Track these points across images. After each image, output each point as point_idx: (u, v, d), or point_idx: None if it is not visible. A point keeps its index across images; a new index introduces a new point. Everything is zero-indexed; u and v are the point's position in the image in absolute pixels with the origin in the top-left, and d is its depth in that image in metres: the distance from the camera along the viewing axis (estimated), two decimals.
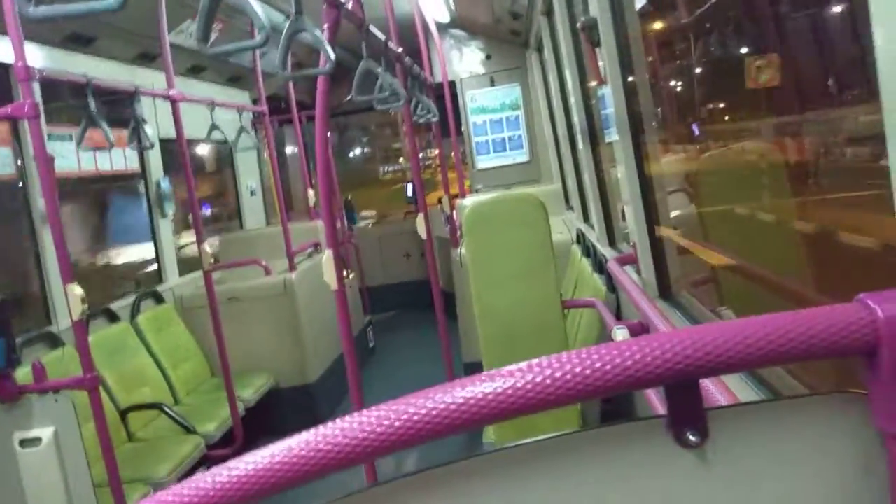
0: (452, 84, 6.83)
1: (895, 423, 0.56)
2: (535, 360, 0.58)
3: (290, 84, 5.79)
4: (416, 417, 0.57)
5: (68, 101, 4.09)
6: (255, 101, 5.91)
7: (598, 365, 0.56)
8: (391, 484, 0.65)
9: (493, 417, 0.57)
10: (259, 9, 1.55)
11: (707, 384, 1.07)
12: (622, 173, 2.37)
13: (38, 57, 3.60)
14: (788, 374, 1.16)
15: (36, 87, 2.61)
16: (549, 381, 0.56)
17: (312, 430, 0.59)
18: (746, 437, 0.62)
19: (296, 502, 0.67)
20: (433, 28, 5.83)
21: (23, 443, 2.64)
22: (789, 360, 0.56)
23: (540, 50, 5.86)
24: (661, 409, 1.65)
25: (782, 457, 0.61)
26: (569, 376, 0.56)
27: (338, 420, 0.59)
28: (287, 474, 0.57)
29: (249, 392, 4.47)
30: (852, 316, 0.55)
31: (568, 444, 0.65)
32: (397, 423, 0.57)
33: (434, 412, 0.57)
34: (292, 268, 4.91)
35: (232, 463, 0.59)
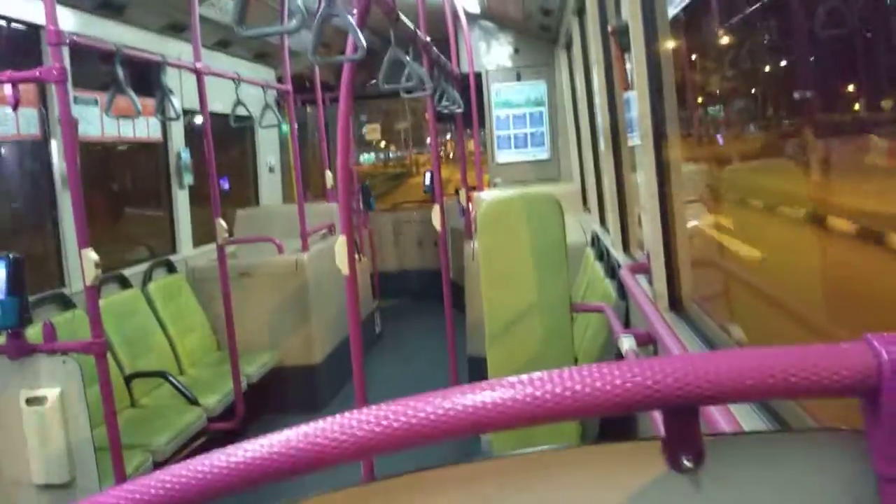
0: (478, 76, 6.80)
1: (890, 468, 0.55)
2: (536, 374, 0.58)
3: (316, 65, 5.80)
4: (414, 420, 0.57)
5: (95, 66, 4.13)
6: (280, 80, 5.91)
7: (598, 384, 0.56)
8: (386, 482, 0.66)
9: (491, 426, 0.57)
10: None
11: (710, 408, 1.07)
12: (642, 180, 2.36)
13: (68, 21, 3.63)
14: (796, 405, 1.15)
15: (65, 51, 2.63)
16: (548, 396, 0.56)
17: (312, 424, 0.60)
18: (742, 466, 0.62)
19: (291, 491, 0.67)
20: (462, 18, 5.80)
21: (29, 401, 2.69)
22: (789, 395, 0.56)
23: (569, 48, 5.82)
24: (662, 428, 1.65)
25: (776, 488, 0.61)
26: (568, 393, 0.56)
27: (337, 416, 0.60)
28: (284, 465, 0.58)
29: (253, 368, 4.51)
30: (856, 356, 0.55)
31: (565, 458, 0.65)
32: (395, 424, 0.57)
33: (433, 416, 0.57)
34: (305, 248, 4.93)
35: (230, 449, 0.60)
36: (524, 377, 0.58)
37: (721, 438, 0.63)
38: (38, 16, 3.34)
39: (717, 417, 1.08)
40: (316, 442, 0.58)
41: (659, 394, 0.55)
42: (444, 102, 4.38)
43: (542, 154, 7.05)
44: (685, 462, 0.61)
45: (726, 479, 0.61)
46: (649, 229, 2.32)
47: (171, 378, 3.88)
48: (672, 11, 1.81)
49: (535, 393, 0.56)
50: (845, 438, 0.60)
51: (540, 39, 6.88)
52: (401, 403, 0.59)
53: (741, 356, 0.56)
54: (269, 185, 6.46)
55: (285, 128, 5.99)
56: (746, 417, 1.18)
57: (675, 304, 2.23)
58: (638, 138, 2.34)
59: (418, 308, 7.31)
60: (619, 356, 2.25)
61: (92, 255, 2.68)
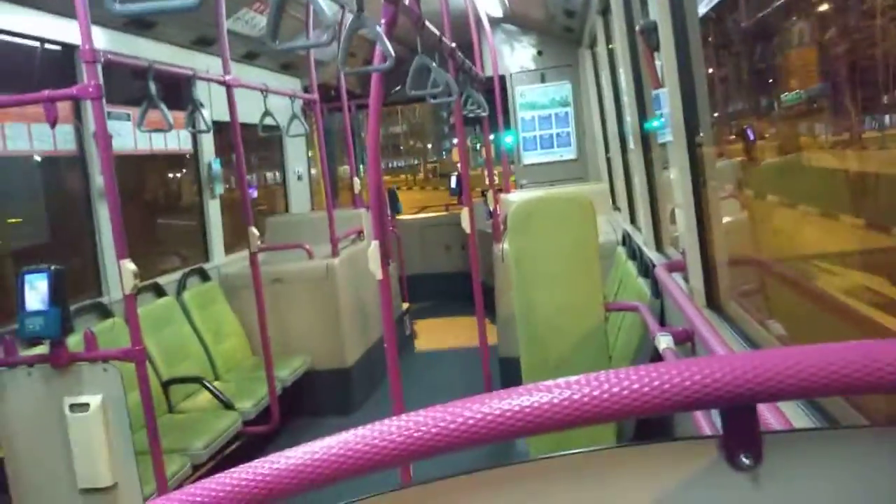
0: (502, 78, 6.80)
1: None
2: (594, 374, 0.58)
3: (342, 73, 5.85)
4: (452, 426, 0.58)
5: (126, 81, 4.21)
6: (306, 89, 5.98)
7: (656, 383, 0.56)
8: (425, 486, 0.66)
9: (551, 427, 0.57)
10: (325, 5, 1.57)
11: (760, 406, 1.05)
12: (675, 177, 2.34)
13: (99, 39, 3.70)
14: (846, 402, 1.13)
15: (99, 68, 2.69)
16: (606, 396, 0.56)
17: (352, 431, 0.60)
18: (801, 464, 0.61)
19: (329, 498, 0.68)
20: (486, 22, 5.81)
21: (72, 407, 2.75)
22: (852, 391, 0.56)
23: (593, 48, 5.79)
24: (705, 425, 1.63)
25: (836, 485, 0.61)
26: (626, 392, 0.56)
27: (377, 423, 0.60)
28: (326, 471, 0.59)
29: (287, 372, 4.56)
30: None
31: (615, 458, 0.65)
32: (434, 430, 0.58)
33: (471, 421, 0.57)
34: (335, 253, 4.98)
35: (273, 457, 0.61)
36: (582, 377, 0.58)
37: (778, 437, 0.63)
38: (70, 35, 3.42)
39: (767, 415, 1.07)
40: (356, 448, 0.58)
41: (719, 392, 0.55)
42: (469, 106, 4.39)
43: (569, 154, 7.02)
44: (744, 460, 0.61)
45: (784, 476, 0.61)
46: (684, 227, 2.30)
47: (207, 384, 3.94)
48: (702, 10, 1.78)
49: (594, 393, 0.57)
50: None
51: (563, 40, 6.86)
52: (438, 410, 0.59)
53: (801, 353, 0.56)
54: (298, 193, 6.53)
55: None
56: (794, 414, 1.17)
57: (713, 301, 2.21)
58: (669, 135, 2.32)
59: (448, 310, 7.32)
60: (656, 354, 2.23)
61: (130, 265, 2.74)
